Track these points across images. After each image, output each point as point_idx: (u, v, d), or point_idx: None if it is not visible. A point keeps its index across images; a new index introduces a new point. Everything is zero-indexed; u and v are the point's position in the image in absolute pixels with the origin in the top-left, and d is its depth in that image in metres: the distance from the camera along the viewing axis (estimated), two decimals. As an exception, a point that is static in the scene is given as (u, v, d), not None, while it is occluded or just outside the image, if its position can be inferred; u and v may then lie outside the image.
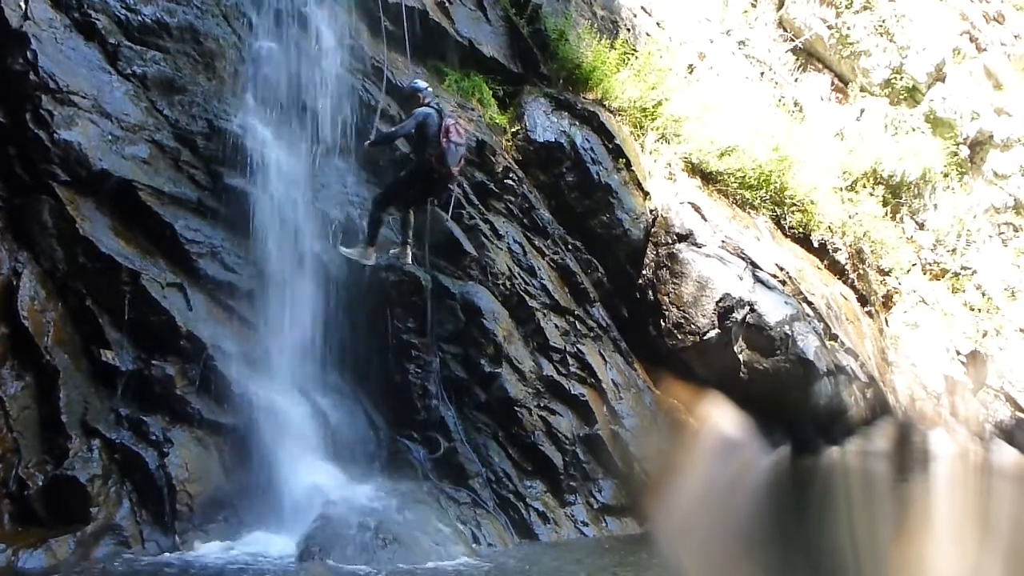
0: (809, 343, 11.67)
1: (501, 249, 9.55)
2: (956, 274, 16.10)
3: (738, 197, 12.87)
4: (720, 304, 11.23)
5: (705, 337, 11.25)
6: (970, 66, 17.31)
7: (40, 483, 6.42)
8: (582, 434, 9.18)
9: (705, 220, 11.87)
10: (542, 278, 9.80)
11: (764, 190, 13.11)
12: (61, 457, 6.52)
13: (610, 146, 11.18)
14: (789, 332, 11.52)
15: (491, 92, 10.77)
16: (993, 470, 14.17)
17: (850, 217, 14.48)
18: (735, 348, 11.35)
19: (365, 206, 8.86)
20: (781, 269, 12.16)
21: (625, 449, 9.31)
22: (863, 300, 14.30)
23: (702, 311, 11.24)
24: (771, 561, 8.21)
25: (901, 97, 16.90)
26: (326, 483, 7.76)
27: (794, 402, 11.87)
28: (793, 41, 16.54)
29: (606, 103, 11.71)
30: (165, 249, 7.59)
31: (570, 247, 10.51)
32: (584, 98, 11.45)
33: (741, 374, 11.45)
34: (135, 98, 7.85)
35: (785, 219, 13.37)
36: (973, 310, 15.73)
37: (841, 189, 14.75)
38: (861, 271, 14.40)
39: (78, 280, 7.11)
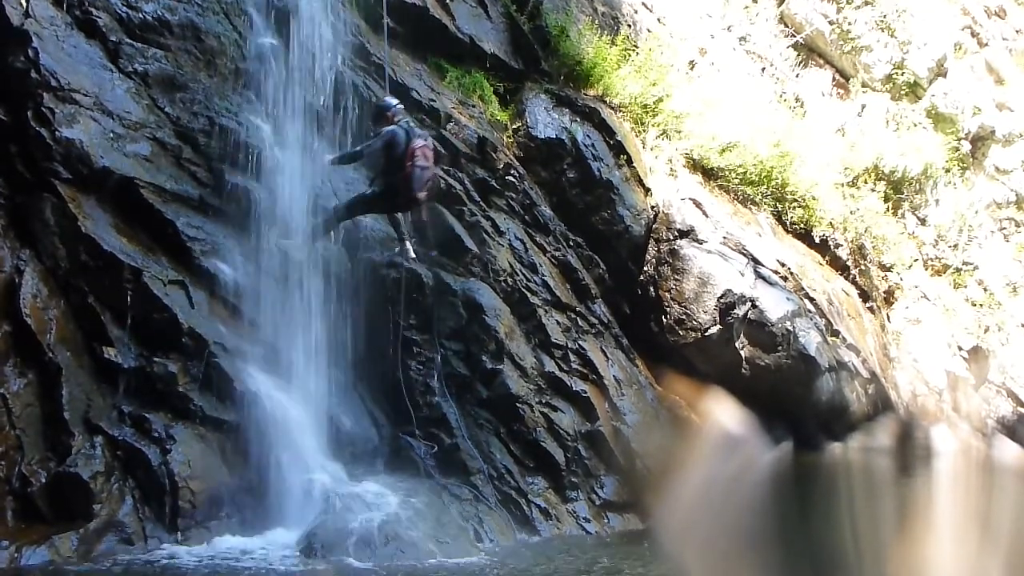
0: (811, 339, 11.68)
1: (502, 246, 9.55)
2: (958, 269, 16.12)
3: (739, 193, 12.87)
4: (721, 300, 11.24)
5: (706, 333, 11.26)
6: (971, 61, 17.31)
7: (43, 480, 6.42)
8: (584, 430, 9.18)
9: (706, 216, 11.88)
10: (543, 275, 9.80)
11: (765, 186, 13.11)
12: (64, 454, 6.53)
13: (611, 142, 11.17)
14: (791, 328, 11.53)
15: (492, 89, 10.77)
16: (995, 466, 14.18)
17: (851, 213, 14.49)
18: (736, 344, 11.36)
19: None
20: (783, 265, 12.17)
21: (627, 445, 9.32)
22: (865, 296, 14.31)
23: (703, 307, 11.26)
24: (772, 557, 8.20)
25: (902, 92, 16.90)
26: (328, 480, 7.77)
27: (796, 398, 11.89)
28: (794, 37, 16.53)
29: (607, 99, 11.71)
30: (167, 246, 7.59)
31: (571, 243, 10.51)
32: (585, 94, 11.45)
33: (743, 370, 11.47)
34: (136, 96, 7.85)
35: (786, 215, 13.38)
36: (975, 305, 15.75)
37: (842, 185, 14.77)
38: (863, 267, 14.41)
39: (80, 278, 7.12)
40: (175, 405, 7.16)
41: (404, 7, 10.07)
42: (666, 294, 11.39)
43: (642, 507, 9.15)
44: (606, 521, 8.88)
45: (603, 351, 10.02)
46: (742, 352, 11.41)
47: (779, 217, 13.34)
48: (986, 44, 17.70)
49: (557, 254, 10.24)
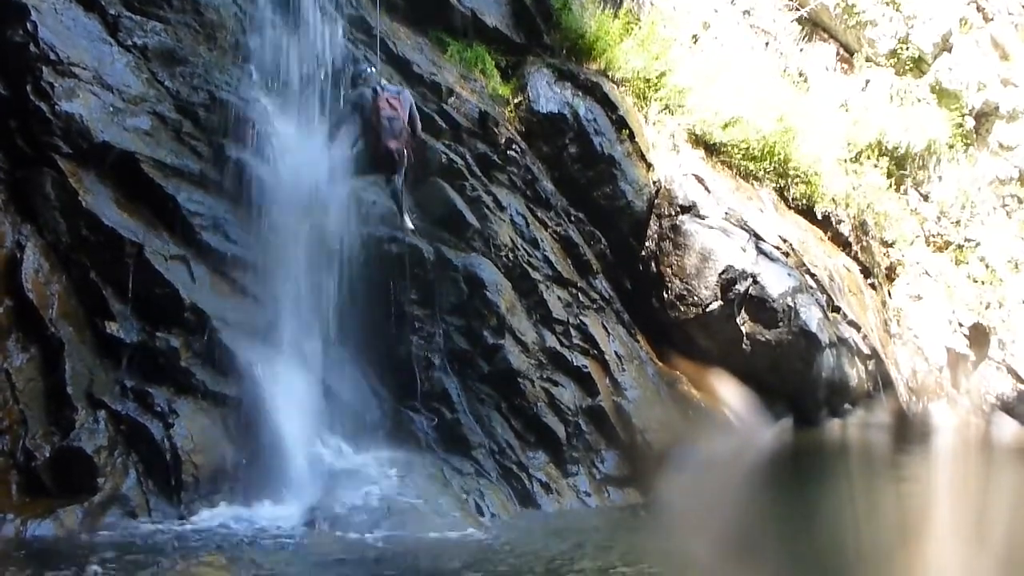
0: (812, 315, 11.71)
1: (504, 221, 9.54)
2: (959, 246, 16.11)
3: (742, 169, 12.85)
4: (723, 276, 11.25)
5: (708, 309, 11.28)
6: (977, 36, 17.20)
7: (47, 454, 6.45)
8: (585, 405, 9.21)
9: (708, 192, 11.87)
10: (545, 250, 9.80)
11: (768, 161, 13.08)
12: (67, 428, 6.55)
13: (613, 117, 11.14)
14: (792, 304, 11.55)
15: (494, 63, 10.72)
16: (994, 442, 14.24)
17: (854, 189, 14.47)
18: (738, 320, 11.39)
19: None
20: (784, 241, 12.17)
21: (628, 420, 9.35)
22: (866, 272, 14.32)
23: (705, 283, 11.27)
24: (770, 533, 8.26)
25: (907, 67, 16.80)
26: (330, 454, 7.82)
27: (796, 374, 11.93)
28: (798, 11, 16.42)
29: (609, 74, 11.66)
30: (168, 222, 7.58)
31: (573, 219, 10.50)
32: (587, 69, 11.39)
33: (743, 346, 11.50)
34: (136, 70, 7.81)
35: (789, 191, 13.36)
36: (976, 282, 15.76)
37: (845, 161, 14.73)
38: (864, 243, 14.41)
39: (81, 253, 7.11)
40: (177, 380, 7.18)
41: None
42: (667, 270, 11.39)
43: (643, 481, 9.20)
44: (607, 495, 8.93)
45: (604, 326, 10.04)
46: (743, 328, 11.43)
47: (781, 193, 13.32)
48: (992, 19, 17.58)
49: (559, 229, 10.23)
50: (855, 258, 14.20)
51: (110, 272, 7.15)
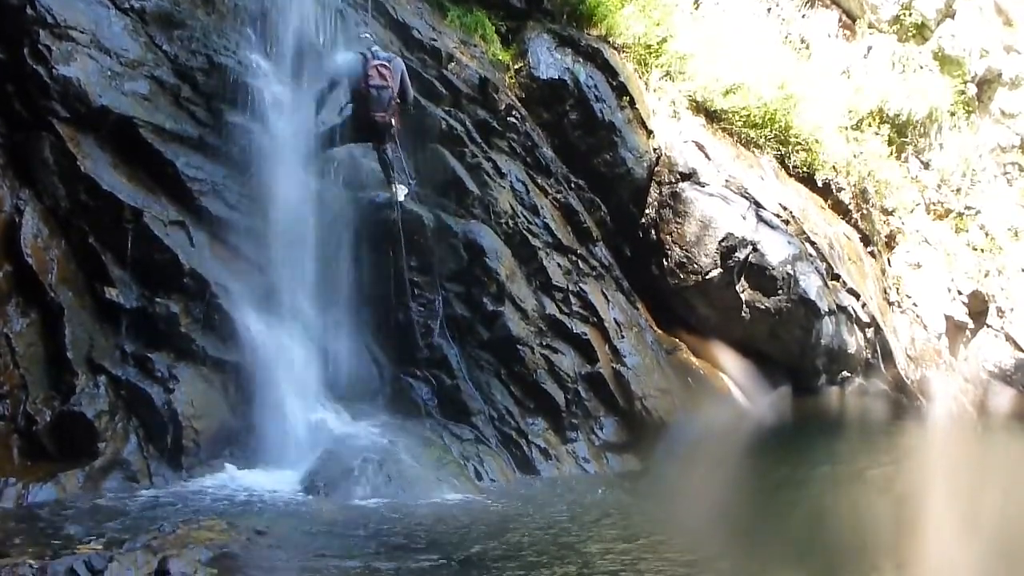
0: (811, 283, 11.71)
1: (504, 188, 9.51)
2: (960, 214, 16.08)
3: (742, 136, 12.79)
4: (723, 243, 11.24)
5: (707, 276, 11.28)
6: (980, 2, 17.05)
7: (48, 419, 6.47)
8: (584, 372, 9.24)
9: (709, 159, 11.82)
10: (545, 217, 9.77)
11: (769, 129, 13.02)
12: (68, 393, 6.57)
13: (614, 83, 11.07)
14: (791, 272, 11.55)
15: (494, 28, 10.63)
16: (991, 410, 14.30)
17: (855, 156, 14.41)
18: (737, 288, 11.39)
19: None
20: (784, 208, 12.14)
21: (627, 387, 9.38)
22: (866, 240, 14.30)
23: (704, 250, 11.25)
24: (765, 501, 8.33)
25: (909, 34, 16.67)
26: (330, 420, 7.86)
27: (795, 342, 11.96)
28: (801, -24, 16.25)
29: (610, 39, 11.57)
30: (167, 186, 7.55)
31: (573, 186, 10.46)
32: (588, 34, 11.30)
33: (743, 314, 11.51)
34: (134, 33, 7.73)
35: (789, 158, 13.30)
36: (976, 250, 15.74)
37: (846, 128, 14.66)
38: (865, 211, 14.37)
39: (80, 218, 7.09)
40: (177, 345, 7.19)
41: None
42: (667, 237, 11.37)
43: (641, 448, 9.26)
44: (605, 461, 8.98)
45: (604, 294, 10.04)
46: (742, 295, 11.43)
47: (782, 160, 13.26)
48: (995, -15, 17.44)
49: (558, 196, 10.20)
50: (855, 226, 14.18)
51: (109, 237, 7.14)
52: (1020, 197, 16.42)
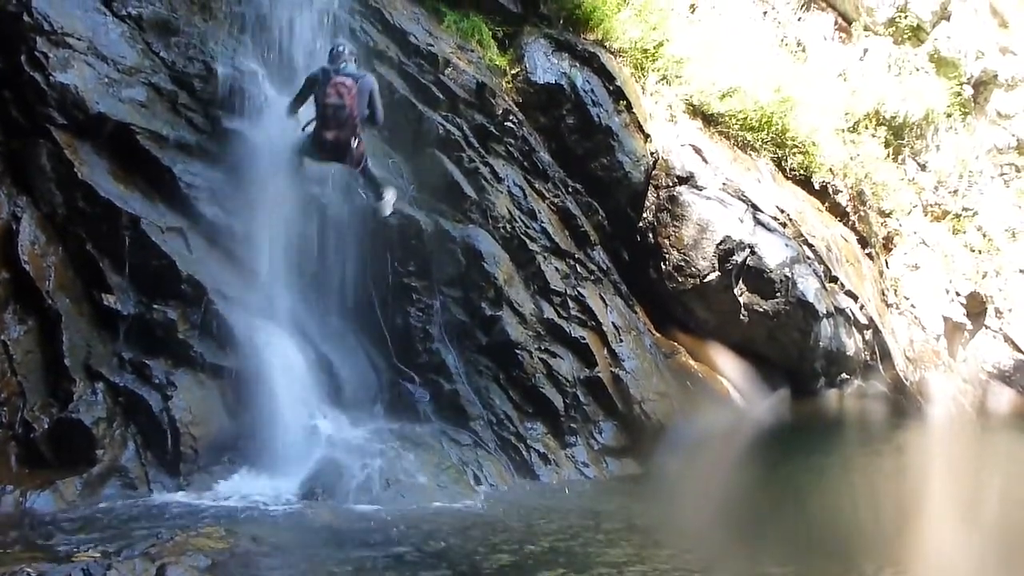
0: (809, 285, 11.72)
1: (501, 192, 9.50)
2: (957, 215, 16.09)
3: (739, 139, 12.80)
4: (720, 247, 11.24)
5: (705, 280, 11.28)
6: (975, 4, 17.08)
7: (46, 426, 6.47)
8: (583, 376, 9.24)
9: (706, 162, 11.83)
10: (542, 221, 9.77)
11: (765, 132, 13.04)
12: (66, 400, 6.57)
13: (611, 88, 11.07)
14: (789, 274, 11.56)
15: (490, 33, 10.62)
16: (991, 411, 14.31)
17: (851, 159, 14.43)
18: (735, 291, 11.40)
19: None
20: (782, 211, 12.15)
21: (625, 391, 9.38)
22: (863, 242, 14.31)
23: (702, 254, 11.26)
24: (765, 505, 8.33)
25: (905, 36, 16.70)
26: (328, 425, 7.84)
27: (794, 344, 11.96)
28: (797, -21, 16.28)
29: (607, 44, 11.58)
30: (164, 193, 7.55)
31: (570, 190, 10.46)
32: (584, 39, 11.31)
33: (741, 317, 11.51)
34: (131, 40, 7.73)
35: (786, 161, 13.32)
36: (973, 251, 15.75)
37: (843, 130, 14.68)
38: (862, 213, 14.39)
39: (78, 224, 7.09)
40: (175, 352, 7.19)
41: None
42: (665, 240, 11.38)
43: (640, 452, 9.25)
44: (604, 466, 8.97)
45: (602, 298, 10.04)
46: (741, 298, 11.44)
47: (779, 163, 13.28)
48: (991, -14, 17.47)
49: (556, 200, 10.20)
50: (852, 228, 14.19)
51: (107, 244, 7.14)
52: (1017, 198, 16.44)
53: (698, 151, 11.88)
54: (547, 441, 8.76)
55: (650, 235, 11.47)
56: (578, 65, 10.90)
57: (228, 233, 7.77)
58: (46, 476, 6.29)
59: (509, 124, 9.91)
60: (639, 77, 11.99)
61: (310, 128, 7.98)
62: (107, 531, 5.66)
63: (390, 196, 8.44)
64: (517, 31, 10.92)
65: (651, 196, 11.50)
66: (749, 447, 10.61)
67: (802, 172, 13.48)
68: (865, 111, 15.37)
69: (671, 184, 11.49)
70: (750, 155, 12.85)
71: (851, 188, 14.30)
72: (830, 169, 13.88)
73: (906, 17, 16.61)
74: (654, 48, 12.17)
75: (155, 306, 7.19)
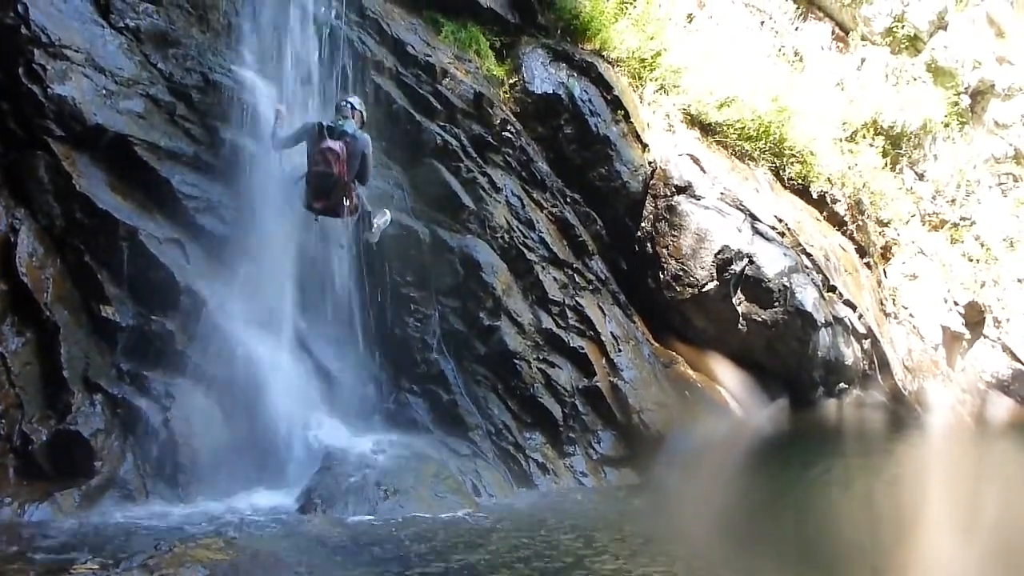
0: (807, 295, 11.71)
1: (499, 202, 9.52)
2: (955, 225, 16.09)
3: (737, 148, 12.82)
4: (719, 256, 11.24)
5: (704, 289, 11.27)
6: (972, 14, 17.12)
7: (44, 438, 6.47)
8: (581, 386, 9.24)
9: (704, 172, 11.84)
10: (540, 231, 9.78)
11: (763, 141, 13.05)
12: (64, 412, 6.57)
13: (608, 97, 11.10)
14: (787, 284, 11.56)
15: (488, 43, 10.64)
16: (989, 421, 14.29)
17: (849, 168, 14.44)
18: (734, 300, 11.39)
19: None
20: (780, 221, 12.15)
21: (624, 401, 9.37)
22: (862, 251, 14.32)
23: (701, 263, 11.26)
24: (764, 515, 8.31)
25: (902, 46, 16.74)
26: (327, 435, 7.84)
27: (792, 354, 11.94)
28: (794, -11, 16.33)
29: (604, 54, 11.60)
30: (162, 204, 7.56)
31: (568, 200, 10.48)
32: (582, 49, 11.33)
33: (739, 326, 11.50)
34: (128, 52, 7.75)
35: (784, 170, 13.33)
36: (972, 261, 15.75)
37: (841, 140, 14.70)
38: (860, 222, 14.39)
39: (76, 236, 7.10)
40: (173, 363, 7.20)
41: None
42: (663, 250, 11.38)
43: (639, 462, 9.24)
44: (603, 475, 8.97)
45: (600, 307, 10.04)
46: (739, 308, 11.43)
47: (777, 172, 13.29)
48: (987, -4, 17.51)
49: (554, 210, 10.21)
50: (851, 237, 14.19)
51: (105, 255, 7.15)
52: (1015, 207, 16.44)
53: (696, 161, 11.89)
54: (546, 451, 8.76)
55: (648, 245, 11.47)
56: (576, 75, 10.92)
57: (226, 244, 7.77)
58: (44, 488, 6.28)
59: (507, 134, 9.93)
60: (637, 87, 12.02)
61: (303, 183, 7.81)
62: (105, 543, 5.66)
63: (381, 222, 8.31)
64: (515, 41, 10.94)
65: (649, 206, 11.50)
66: (747, 457, 10.59)
67: (800, 181, 13.49)
68: (863, 120, 15.39)
69: (669, 194, 11.50)
70: (748, 164, 12.87)
71: (849, 197, 14.31)
72: (828, 178, 13.89)
73: (903, 27, 16.66)
74: (652, 58, 12.20)
75: (153, 317, 7.19)
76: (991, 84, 16.90)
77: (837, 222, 14.05)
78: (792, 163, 13.38)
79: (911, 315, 14.70)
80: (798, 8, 16.33)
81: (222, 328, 7.41)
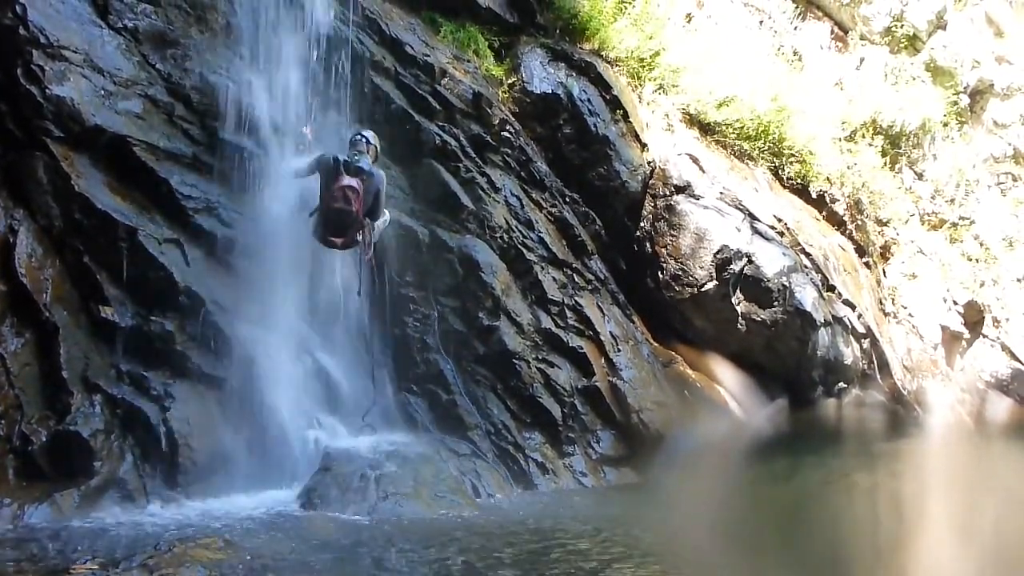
0: (807, 294, 11.72)
1: (498, 202, 9.52)
2: (954, 224, 16.11)
3: (736, 148, 12.83)
4: (718, 256, 11.25)
5: (703, 289, 11.28)
6: (971, 13, 17.15)
7: (43, 438, 6.46)
8: (580, 386, 9.24)
9: (703, 171, 11.85)
10: (540, 231, 9.79)
11: (763, 141, 13.07)
12: (63, 413, 6.56)
13: (607, 97, 11.10)
14: (787, 283, 11.57)
15: (487, 43, 10.66)
16: (988, 420, 14.31)
17: (849, 168, 14.46)
18: (733, 300, 11.40)
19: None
20: (779, 220, 12.16)
21: (623, 400, 9.38)
22: (861, 251, 14.33)
23: (700, 263, 11.27)
24: (762, 515, 8.32)
25: (901, 45, 16.76)
26: (326, 435, 7.84)
27: (792, 354, 11.95)
28: (793, -11, 16.34)
29: (603, 53, 11.61)
30: (161, 205, 7.56)
31: (568, 200, 10.48)
32: (581, 48, 11.35)
33: (739, 326, 11.51)
34: (127, 52, 7.74)
35: (783, 170, 13.34)
36: (971, 260, 15.77)
37: (840, 139, 14.72)
38: (859, 222, 14.41)
39: (75, 237, 7.09)
40: (173, 363, 7.19)
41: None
42: (662, 250, 11.39)
43: (638, 461, 9.24)
44: (603, 475, 8.97)
45: (599, 307, 10.04)
46: (738, 308, 11.44)
47: (776, 172, 13.30)
48: (986, -4, 17.53)
49: (553, 210, 10.21)
50: (850, 237, 14.21)
51: (104, 256, 7.14)
52: (1014, 207, 16.46)
53: (695, 160, 11.90)
54: (545, 451, 8.76)
55: (647, 244, 11.48)
56: (575, 75, 10.94)
57: (225, 244, 7.77)
58: (44, 489, 6.27)
59: (506, 134, 9.94)
60: (636, 86, 12.03)
61: (315, 215, 7.86)
62: (105, 544, 5.65)
63: (380, 223, 8.26)
64: (513, 41, 10.95)
65: (648, 205, 11.51)
66: (747, 457, 10.60)
67: (799, 181, 13.51)
68: (862, 120, 15.41)
69: (668, 193, 11.51)
70: (747, 164, 12.88)
71: (848, 197, 14.33)
72: (827, 178, 13.91)
73: (902, 26, 16.67)
74: (651, 57, 12.21)
75: (153, 318, 7.19)
76: (990, 84, 16.93)
77: (836, 222, 14.06)
78: (791, 163, 13.39)
79: (910, 315, 14.71)
80: (797, 7, 16.35)
81: (221, 328, 7.41)
